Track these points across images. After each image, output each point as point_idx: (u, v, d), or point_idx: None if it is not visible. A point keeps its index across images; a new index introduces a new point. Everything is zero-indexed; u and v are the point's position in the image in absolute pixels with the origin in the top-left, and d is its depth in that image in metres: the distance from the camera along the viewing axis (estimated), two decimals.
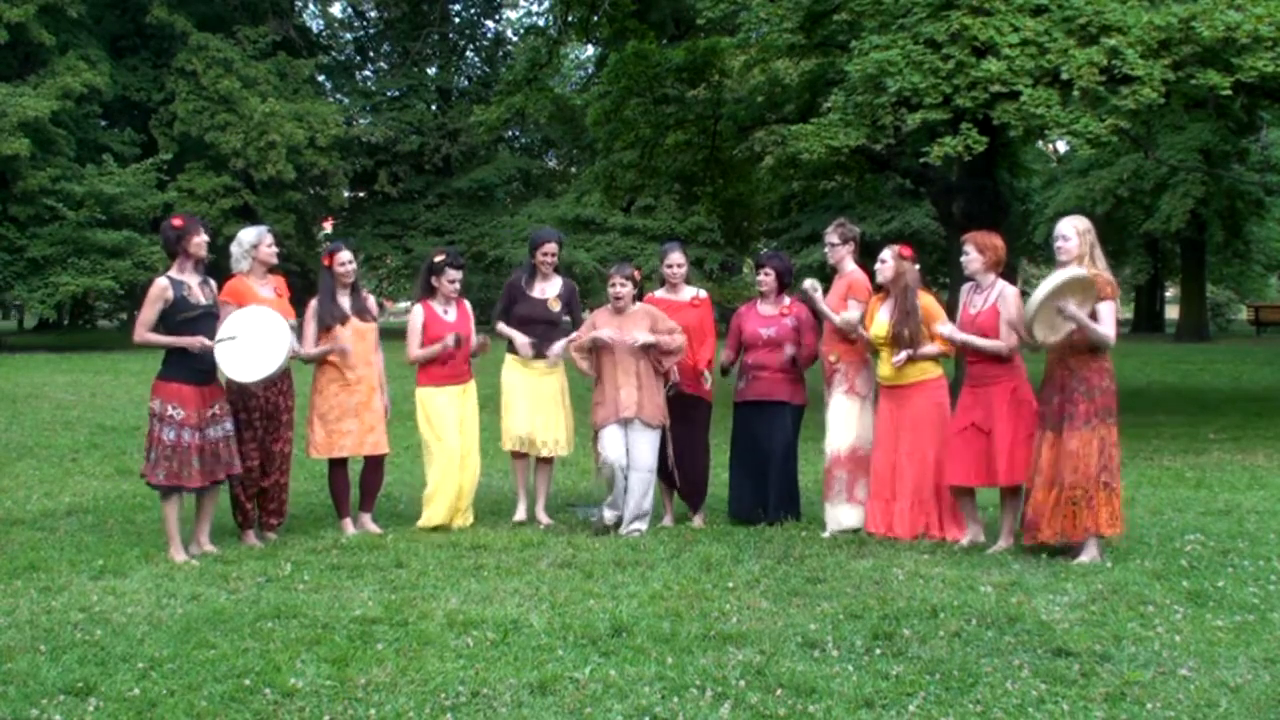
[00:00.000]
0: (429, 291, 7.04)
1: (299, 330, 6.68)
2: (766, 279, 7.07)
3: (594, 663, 4.34)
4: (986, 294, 6.30)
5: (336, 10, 40.38)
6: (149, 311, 6.03)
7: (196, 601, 5.21)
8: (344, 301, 6.84)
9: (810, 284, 6.88)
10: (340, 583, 5.57)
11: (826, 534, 6.63)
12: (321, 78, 37.38)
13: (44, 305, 26.79)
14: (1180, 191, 27.29)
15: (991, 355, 6.20)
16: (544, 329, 7.14)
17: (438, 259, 7.04)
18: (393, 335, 7.14)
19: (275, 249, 6.65)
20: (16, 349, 26.35)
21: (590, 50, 33.70)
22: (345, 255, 6.86)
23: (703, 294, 7.21)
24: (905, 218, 29.96)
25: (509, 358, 7.25)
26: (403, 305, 40.81)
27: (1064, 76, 9.80)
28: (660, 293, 7.22)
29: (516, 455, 7.25)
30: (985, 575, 5.62)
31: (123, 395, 15.75)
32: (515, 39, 40.44)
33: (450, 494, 6.89)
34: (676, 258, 7.16)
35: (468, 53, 41.99)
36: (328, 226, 37.43)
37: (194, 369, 6.06)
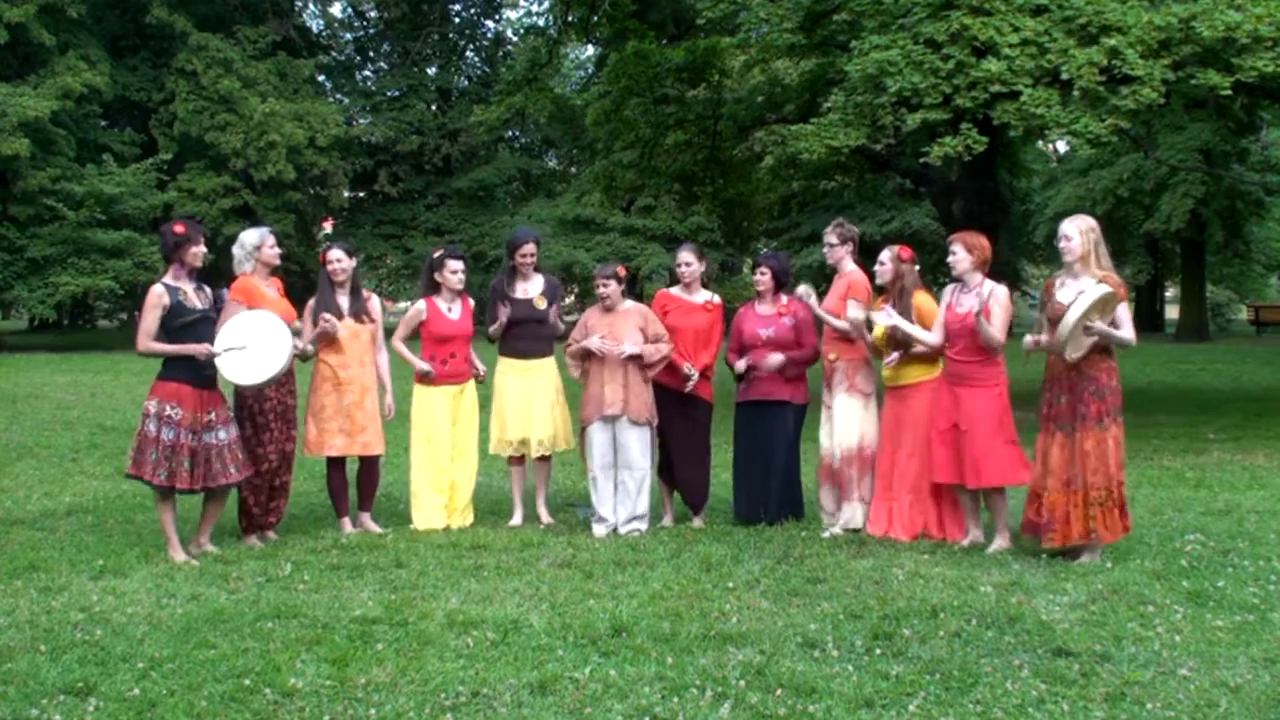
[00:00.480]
0: (433, 288, 7.06)
1: (299, 329, 6.70)
2: (763, 278, 7.07)
3: (594, 663, 4.34)
4: (976, 293, 6.30)
5: (336, 10, 40.46)
6: (149, 320, 6.01)
7: (196, 601, 5.21)
8: (341, 300, 6.86)
9: (804, 290, 6.88)
10: (340, 583, 5.57)
11: (826, 534, 6.63)
12: (321, 78, 37.39)
13: (44, 305, 26.80)
14: (1180, 191, 27.29)
15: (975, 354, 6.20)
16: (534, 328, 7.17)
17: (437, 254, 7.10)
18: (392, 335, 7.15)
19: (278, 250, 6.67)
20: (17, 349, 26.36)
21: (590, 50, 33.75)
22: (334, 253, 6.90)
23: (716, 300, 7.20)
24: (905, 218, 29.97)
25: (501, 360, 7.26)
26: (403, 305, 40.78)
27: (1064, 76, 9.80)
28: (675, 291, 7.24)
29: (513, 460, 7.26)
30: (985, 575, 5.62)
31: (123, 395, 15.75)
32: (515, 39, 40.45)
33: (434, 493, 6.91)
34: (684, 256, 7.17)
35: (468, 53, 42.00)
36: (328, 226, 37.43)
37: (195, 371, 6.06)
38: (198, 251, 6.15)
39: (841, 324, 6.75)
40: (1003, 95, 9.98)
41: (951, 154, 10.27)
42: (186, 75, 30.10)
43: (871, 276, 6.79)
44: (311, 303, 6.88)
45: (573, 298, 37.84)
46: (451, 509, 6.97)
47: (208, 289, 6.31)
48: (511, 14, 43.30)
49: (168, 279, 6.13)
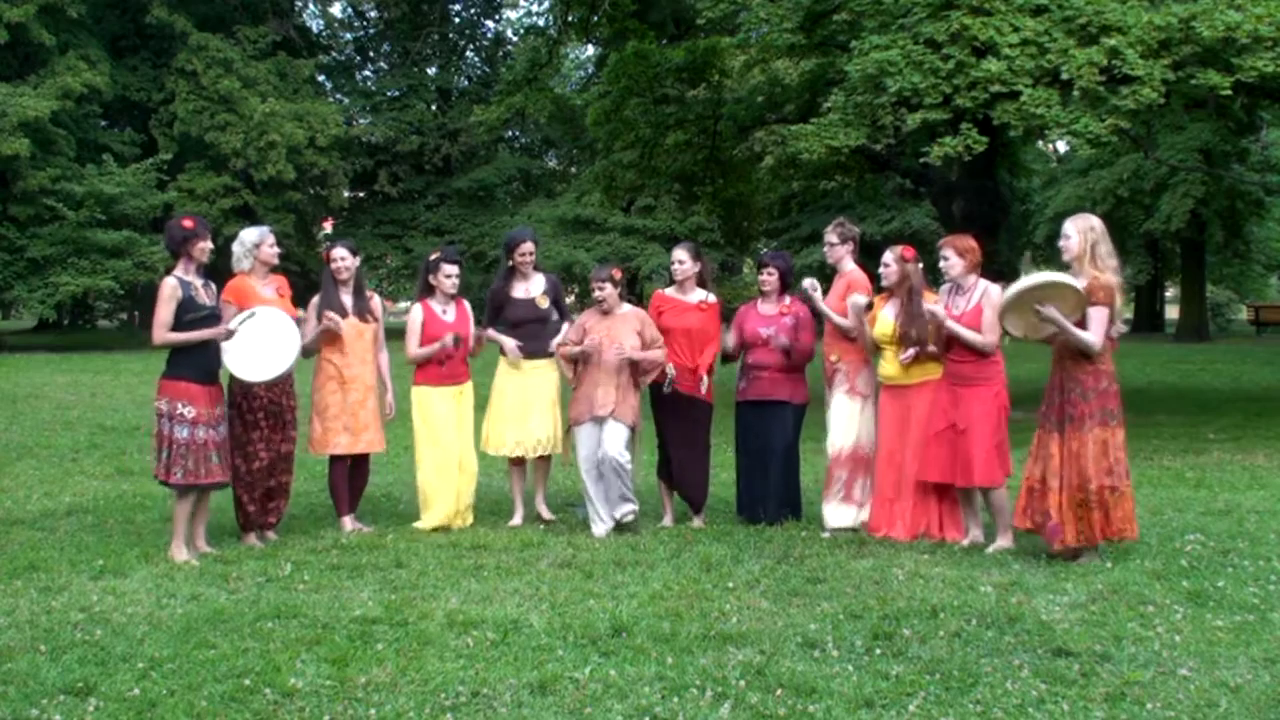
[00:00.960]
0: (428, 291, 7.07)
1: (301, 326, 6.71)
2: (769, 278, 7.06)
3: (594, 663, 4.34)
4: (969, 295, 6.30)
5: (336, 10, 40.46)
6: (165, 311, 6.00)
7: (196, 601, 5.21)
8: (345, 299, 6.88)
9: (809, 283, 6.89)
10: (340, 583, 5.57)
11: (826, 534, 6.63)
12: (321, 78, 37.41)
13: (44, 305, 26.80)
14: (1180, 191, 27.30)
15: (974, 354, 6.21)
16: (536, 328, 7.17)
17: (433, 257, 7.11)
18: (394, 335, 7.15)
19: (277, 249, 6.67)
20: (17, 349, 26.36)
21: (590, 50, 33.73)
22: (338, 251, 6.94)
23: (711, 298, 7.18)
24: (905, 218, 29.96)
25: (502, 360, 7.26)
26: (403, 305, 40.80)
27: (1064, 76, 9.80)
28: (669, 291, 7.23)
29: (514, 462, 7.26)
30: (985, 575, 5.62)
31: (123, 395, 15.76)
32: (515, 39, 40.46)
33: (447, 496, 6.90)
34: (678, 254, 7.16)
35: (468, 53, 42.03)
36: (328, 226, 37.44)
37: (200, 368, 6.06)
38: (205, 247, 6.18)
39: (843, 321, 6.74)
40: (1003, 95, 9.98)
41: (951, 154, 10.28)
42: (186, 75, 30.11)
43: (872, 277, 6.78)
44: (315, 300, 6.89)
45: (573, 298, 37.86)
46: (454, 511, 6.97)
47: (213, 285, 6.32)
48: (511, 14, 43.38)
49: (179, 273, 6.14)
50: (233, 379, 6.32)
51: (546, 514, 7.14)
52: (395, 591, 5.38)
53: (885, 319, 6.56)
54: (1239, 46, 9.53)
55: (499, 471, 8.61)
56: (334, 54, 39.93)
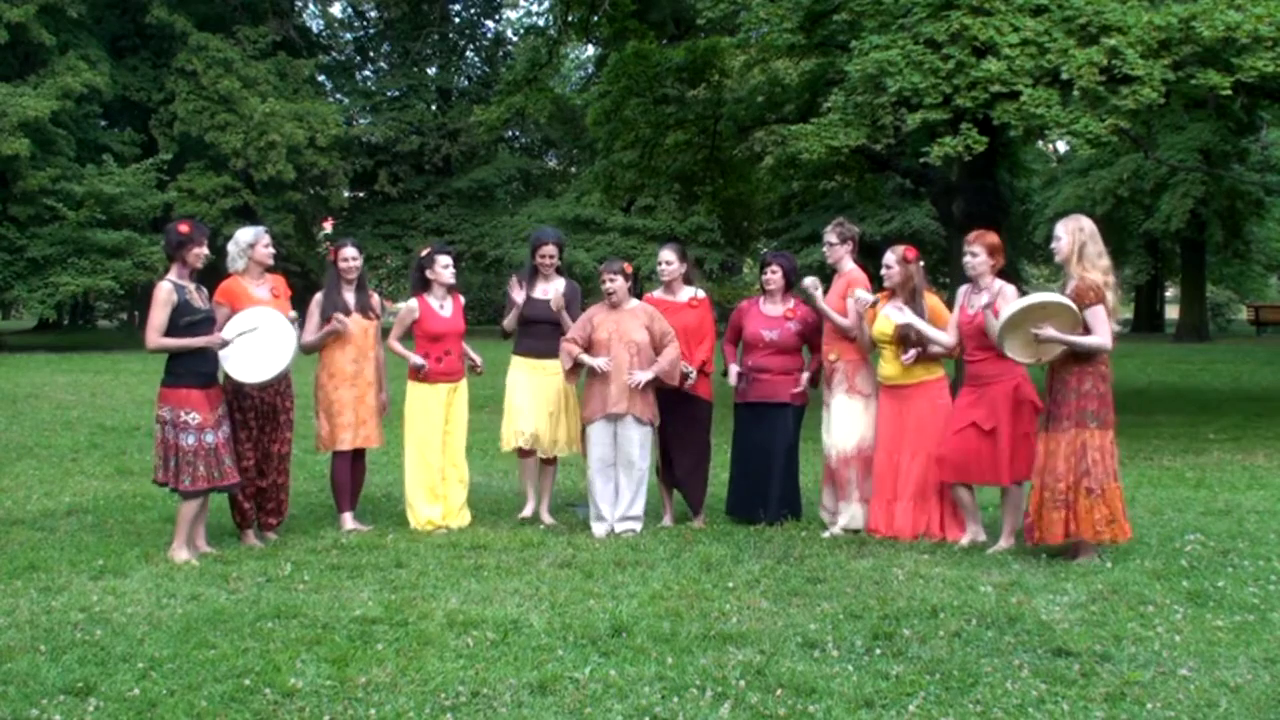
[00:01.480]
0: (424, 286, 7.08)
1: (302, 323, 6.71)
2: (774, 277, 7.05)
3: (594, 663, 4.34)
4: (986, 294, 6.30)
5: (336, 10, 40.47)
6: (160, 315, 5.99)
7: (196, 601, 5.21)
8: (349, 297, 6.91)
9: (810, 281, 6.89)
10: (340, 583, 5.57)
11: (826, 534, 6.63)
12: (321, 78, 37.42)
13: (44, 305, 26.79)
14: (1180, 191, 27.31)
15: (988, 353, 6.20)
16: (548, 329, 7.15)
17: (424, 253, 7.16)
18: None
19: (271, 249, 6.66)
20: (17, 349, 26.36)
21: (590, 50, 33.74)
22: (349, 252, 6.95)
23: (700, 294, 7.20)
24: (905, 218, 29.99)
25: (515, 358, 7.27)
26: (402, 305, 40.84)
27: (1064, 76, 9.80)
28: (657, 293, 7.23)
29: (523, 453, 7.25)
30: (985, 575, 5.62)
31: (123, 395, 15.76)
32: (515, 39, 40.50)
33: (428, 496, 6.91)
34: (664, 255, 7.16)
35: (468, 53, 42.04)
36: (328, 226, 37.46)
37: (199, 373, 6.05)
38: (200, 253, 6.16)
39: (843, 320, 6.73)
40: (1003, 95, 9.98)
41: (951, 154, 10.27)
42: (186, 75, 30.12)
43: (872, 277, 6.78)
44: (318, 298, 6.90)
45: None
46: (447, 510, 6.97)
47: (205, 290, 6.32)
48: (511, 14, 43.41)
49: (173, 276, 6.13)
50: (226, 377, 6.31)
51: (548, 519, 7.13)
52: (395, 591, 5.38)
53: (885, 319, 6.55)
54: (1239, 46, 9.52)
55: (499, 471, 8.61)
56: (334, 54, 39.94)
